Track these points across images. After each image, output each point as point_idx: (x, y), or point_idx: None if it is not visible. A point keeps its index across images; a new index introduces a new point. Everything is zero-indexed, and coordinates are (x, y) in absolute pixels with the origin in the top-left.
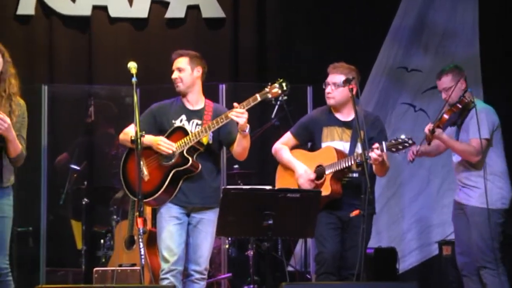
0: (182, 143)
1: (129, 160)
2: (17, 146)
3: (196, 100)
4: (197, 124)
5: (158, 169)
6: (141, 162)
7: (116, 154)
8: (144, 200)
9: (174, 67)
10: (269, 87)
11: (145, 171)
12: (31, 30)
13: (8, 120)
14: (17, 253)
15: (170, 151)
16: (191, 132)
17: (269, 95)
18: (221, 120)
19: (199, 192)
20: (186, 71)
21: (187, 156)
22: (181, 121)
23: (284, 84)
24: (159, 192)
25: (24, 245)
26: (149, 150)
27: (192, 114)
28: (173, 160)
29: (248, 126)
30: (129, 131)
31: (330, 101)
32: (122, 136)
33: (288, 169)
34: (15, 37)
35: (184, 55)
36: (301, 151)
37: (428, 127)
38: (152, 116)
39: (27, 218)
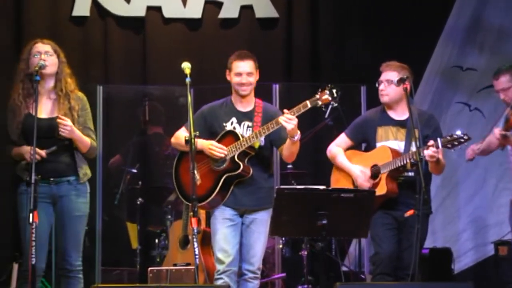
0: (233, 147)
1: (181, 164)
2: (85, 142)
3: (248, 102)
4: (248, 126)
5: (210, 173)
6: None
7: (169, 154)
8: (198, 204)
9: (241, 70)
10: (319, 93)
11: (197, 175)
12: (86, 31)
13: (68, 122)
14: None
15: (222, 155)
16: (242, 137)
17: (319, 102)
18: (272, 125)
19: (251, 194)
20: (254, 76)
21: (238, 161)
22: (231, 123)
23: (334, 91)
24: (212, 196)
25: None
26: (201, 155)
27: (242, 116)
28: (224, 165)
29: (298, 132)
30: (180, 135)
31: (384, 98)
32: (173, 140)
33: (343, 171)
34: (70, 38)
35: (251, 59)
36: (355, 152)
37: (499, 131)
38: (202, 118)
39: None
